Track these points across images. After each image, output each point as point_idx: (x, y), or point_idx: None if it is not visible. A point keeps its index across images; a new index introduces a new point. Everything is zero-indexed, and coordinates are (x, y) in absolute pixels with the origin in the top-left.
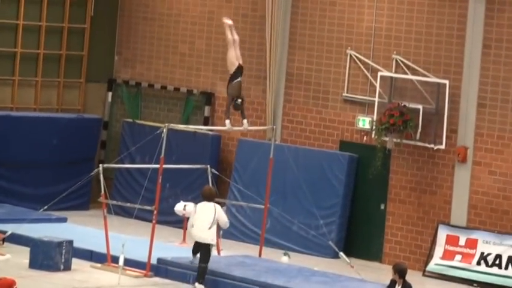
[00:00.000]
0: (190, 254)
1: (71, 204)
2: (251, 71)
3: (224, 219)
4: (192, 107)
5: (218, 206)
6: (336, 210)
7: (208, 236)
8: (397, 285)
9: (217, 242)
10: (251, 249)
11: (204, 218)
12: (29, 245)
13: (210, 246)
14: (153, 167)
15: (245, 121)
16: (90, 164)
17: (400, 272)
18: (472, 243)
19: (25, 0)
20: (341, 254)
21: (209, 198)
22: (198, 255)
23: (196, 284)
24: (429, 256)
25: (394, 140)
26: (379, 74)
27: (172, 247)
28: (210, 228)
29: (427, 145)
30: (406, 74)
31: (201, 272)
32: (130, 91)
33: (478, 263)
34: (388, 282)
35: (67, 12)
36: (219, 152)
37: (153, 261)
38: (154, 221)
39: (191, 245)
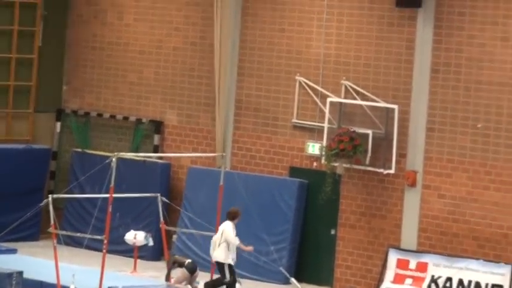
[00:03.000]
0: (141, 283)
1: (20, 235)
2: (200, 99)
3: (229, 236)
4: (141, 136)
5: (228, 224)
6: (287, 236)
7: (217, 254)
8: None
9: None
10: (203, 277)
11: (215, 237)
12: None
13: (225, 265)
14: (103, 197)
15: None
16: (40, 194)
17: None
18: (422, 267)
19: None
20: (292, 279)
21: (230, 217)
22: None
23: None
24: (380, 280)
25: (344, 165)
26: (328, 99)
27: (123, 276)
28: (219, 245)
29: (376, 170)
30: (355, 99)
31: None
32: (79, 121)
33: (429, 287)
34: None
35: (15, 42)
36: (169, 180)
37: None
38: (104, 251)
39: (142, 274)
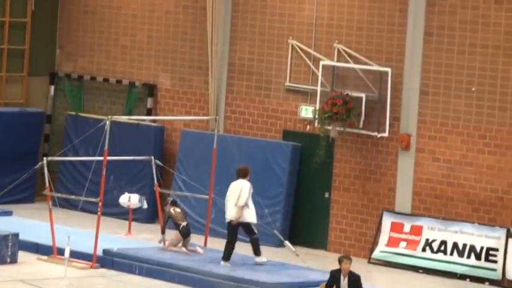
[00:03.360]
0: (135, 245)
1: (16, 198)
2: (193, 62)
3: (244, 196)
4: (134, 99)
5: (246, 184)
6: (281, 200)
7: (235, 213)
8: (342, 275)
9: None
10: (196, 240)
11: (232, 197)
12: None
13: (252, 224)
14: (97, 159)
15: (258, 259)
16: (34, 157)
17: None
18: (416, 230)
19: None
20: (286, 242)
21: (242, 175)
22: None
23: (257, 258)
24: (374, 243)
25: (338, 128)
26: (321, 63)
27: (118, 238)
28: (248, 206)
29: (370, 133)
30: (348, 62)
31: (257, 244)
32: (72, 84)
33: (423, 250)
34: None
35: (8, 6)
36: (162, 143)
37: (99, 252)
38: (99, 213)
39: (137, 236)
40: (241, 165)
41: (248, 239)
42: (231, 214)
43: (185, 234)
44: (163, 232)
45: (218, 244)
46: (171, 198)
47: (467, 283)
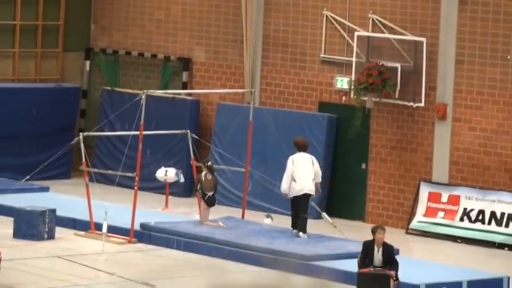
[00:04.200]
0: (172, 219)
1: (52, 174)
2: (227, 35)
3: (319, 171)
4: (170, 73)
5: (314, 157)
6: None
7: (312, 186)
8: (376, 247)
9: (200, 206)
10: (234, 212)
11: (307, 169)
12: (12, 215)
13: (311, 197)
14: (133, 134)
15: (301, 234)
16: (70, 133)
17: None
18: (454, 200)
19: None
20: (323, 214)
21: (305, 148)
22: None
23: (301, 233)
24: (412, 214)
25: (373, 99)
26: (356, 33)
27: (155, 213)
28: (314, 179)
29: (406, 103)
30: (383, 33)
31: (305, 223)
32: (107, 59)
33: (461, 219)
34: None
35: None
36: (198, 117)
37: (136, 227)
38: (136, 188)
39: (174, 210)
40: (300, 138)
41: (292, 213)
42: (309, 188)
43: (209, 204)
44: (196, 190)
45: (255, 217)
46: (209, 162)
47: (506, 252)
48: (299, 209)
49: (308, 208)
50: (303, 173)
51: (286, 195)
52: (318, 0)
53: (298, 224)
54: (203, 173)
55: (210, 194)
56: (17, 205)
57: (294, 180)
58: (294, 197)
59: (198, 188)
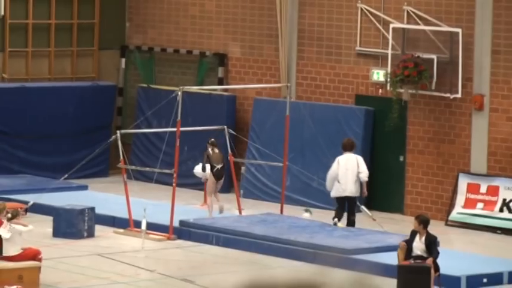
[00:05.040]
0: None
1: (90, 172)
2: (262, 30)
3: (365, 171)
4: (205, 69)
5: (360, 157)
6: None
7: (354, 188)
8: (419, 236)
9: (238, 202)
10: (272, 208)
11: (350, 171)
12: (51, 214)
13: (356, 199)
14: (170, 131)
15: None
16: (107, 131)
17: (424, 222)
18: (493, 191)
19: None
20: (362, 207)
21: (350, 148)
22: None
23: (336, 220)
24: (451, 205)
25: (410, 91)
26: (391, 26)
27: (194, 209)
28: (356, 181)
29: (443, 94)
30: (418, 24)
31: (352, 225)
32: (143, 56)
33: (501, 210)
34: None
35: None
36: (235, 112)
37: (175, 224)
38: (174, 184)
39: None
40: (346, 139)
41: (337, 210)
42: (350, 190)
43: (218, 176)
44: (203, 169)
45: (295, 211)
46: (212, 139)
47: None
48: (346, 211)
49: (354, 210)
50: (346, 174)
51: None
52: None
53: (336, 215)
54: (209, 149)
55: (219, 166)
56: (56, 204)
57: (338, 181)
58: (337, 197)
59: (205, 162)
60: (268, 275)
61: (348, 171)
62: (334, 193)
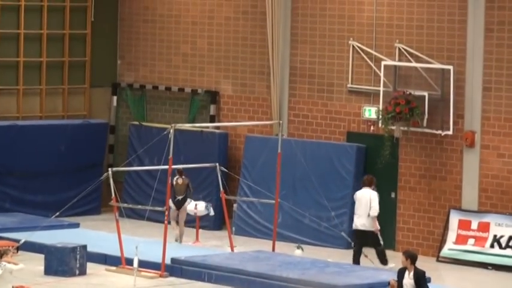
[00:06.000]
0: (203, 253)
1: (82, 210)
2: (254, 67)
3: (374, 207)
4: (197, 107)
5: (373, 193)
6: (347, 201)
7: (367, 222)
8: (407, 272)
9: (230, 239)
10: (264, 244)
11: (363, 205)
12: (43, 252)
13: (375, 233)
14: (162, 168)
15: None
16: (99, 168)
17: (411, 257)
18: (484, 227)
19: (25, 8)
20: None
21: (368, 184)
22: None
23: (385, 266)
24: (442, 241)
25: (401, 128)
26: (383, 63)
27: (186, 247)
28: (369, 215)
29: (434, 131)
30: (410, 61)
31: (383, 254)
32: (135, 94)
33: (492, 246)
34: None
35: (67, 18)
36: (226, 150)
37: (168, 261)
38: (166, 222)
39: (204, 244)
40: (367, 175)
41: (357, 247)
42: (361, 223)
43: (177, 206)
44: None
45: (287, 248)
46: (180, 167)
47: None
48: (363, 245)
49: (378, 241)
50: (359, 209)
51: None
52: (344, 31)
53: (378, 259)
54: (175, 178)
55: (180, 197)
56: (48, 242)
57: (355, 214)
58: (353, 230)
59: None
60: None
61: (362, 206)
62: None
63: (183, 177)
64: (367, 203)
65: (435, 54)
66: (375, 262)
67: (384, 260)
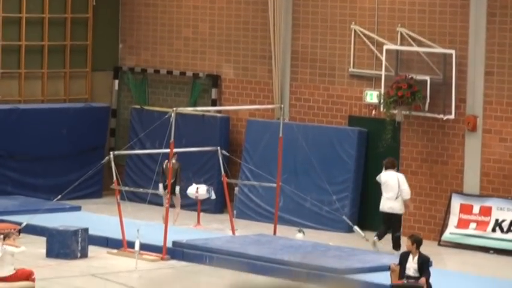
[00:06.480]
0: (205, 236)
1: (84, 193)
2: (255, 51)
3: (406, 190)
4: (199, 91)
5: (400, 175)
6: (348, 185)
7: (396, 206)
8: (411, 256)
9: (232, 222)
10: (265, 228)
11: (390, 188)
12: (44, 235)
13: (401, 216)
14: (164, 152)
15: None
16: (101, 152)
17: (417, 242)
18: (486, 211)
19: None
20: (355, 227)
21: (391, 166)
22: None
23: (396, 251)
24: (444, 226)
25: (403, 112)
26: (385, 47)
27: (187, 230)
28: (397, 198)
29: (436, 116)
30: (412, 46)
31: (397, 241)
32: (136, 78)
33: (493, 230)
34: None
35: (69, 2)
36: (228, 134)
37: (169, 244)
38: (167, 205)
39: (206, 227)
40: (388, 158)
41: (377, 232)
42: (389, 206)
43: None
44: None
45: (288, 232)
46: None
47: None
48: (390, 227)
49: (399, 227)
50: (385, 192)
51: None
52: (346, 15)
53: (392, 243)
54: (166, 161)
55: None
56: (49, 225)
57: (382, 197)
58: (381, 211)
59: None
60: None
61: (389, 189)
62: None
63: (174, 161)
64: (394, 185)
65: (437, 38)
66: (383, 247)
67: (397, 246)
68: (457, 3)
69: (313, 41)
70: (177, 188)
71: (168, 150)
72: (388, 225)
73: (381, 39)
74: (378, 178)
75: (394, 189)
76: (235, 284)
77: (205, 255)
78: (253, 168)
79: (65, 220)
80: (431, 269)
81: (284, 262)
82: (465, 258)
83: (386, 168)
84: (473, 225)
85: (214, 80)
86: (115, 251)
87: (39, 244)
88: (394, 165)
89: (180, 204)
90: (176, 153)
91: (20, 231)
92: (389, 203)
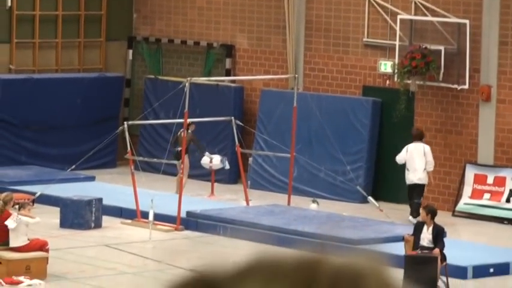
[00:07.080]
0: (218, 206)
1: (98, 163)
2: (270, 21)
3: (431, 161)
4: (213, 60)
5: (427, 147)
6: (362, 155)
7: (422, 175)
8: (426, 226)
9: (246, 192)
10: (279, 198)
11: (418, 159)
12: (58, 205)
13: (425, 186)
14: (178, 122)
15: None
16: (115, 122)
17: (431, 213)
18: (500, 181)
19: None
20: (369, 198)
21: (419, 138)
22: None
23: (411, 217)
24: (458, 196)
25: (417, 82)
26: (399, 17)
27: (201, 200)
28: (425, 169)
29: (450, 86)
30: (426, 15)
31: (417, 207)
32: (150, 48)
33: (507, 201)
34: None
35: None
36: (242, 103)
37: (183, 214)
38: (181, 175)
39: (220, 197)
40: (416, 129)
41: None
42: (418, 177)
43: (175, 156)
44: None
45: (302, 202)
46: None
47: None
48: (413, 196)
49: (421, 195)
50: (414, 163)
51: None
52: None
53: (410, 208)
54: (181, 130)
55: (178, 149)
56: (63, 195)
57: (408, 170)
58: (408, 185)
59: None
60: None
61: (415, 160)
62: (407, 181)
63: (189, 131)
64: (421, 157)
65: (451, 8)
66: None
67: (416, 212)
68: None
69: (327, 10)
70: (206, 154)
71: (182, 120)
72: (412, 196)
73: (395, 9)
74: (404, 148)
75: (421, 160)
76: (256, 255)
77: (219, 226)
78: (267, 138)
79: (79, 190)
80: (445, 240)
81: (298, 233)
82: (479, 229)
83: (414, 140)
84: (487, 195)
85: (229, 50)
86: (129, 221)
87: (53, 214)
88: (422, 137)
89: (190, 174)
90: (194, 123)
91: (33, 201)
92: (418, 174)
